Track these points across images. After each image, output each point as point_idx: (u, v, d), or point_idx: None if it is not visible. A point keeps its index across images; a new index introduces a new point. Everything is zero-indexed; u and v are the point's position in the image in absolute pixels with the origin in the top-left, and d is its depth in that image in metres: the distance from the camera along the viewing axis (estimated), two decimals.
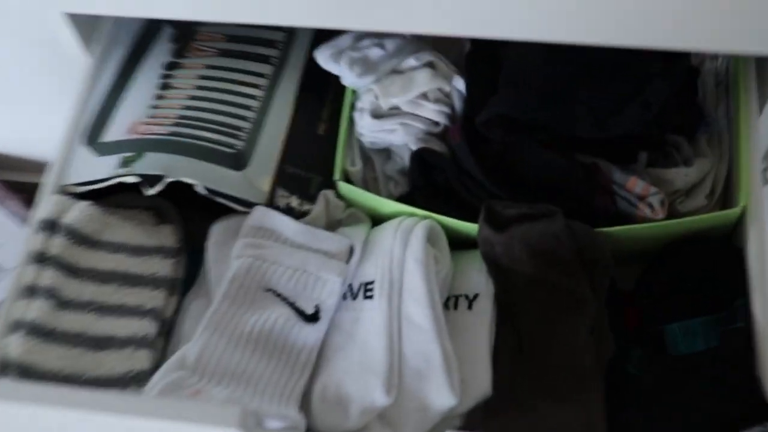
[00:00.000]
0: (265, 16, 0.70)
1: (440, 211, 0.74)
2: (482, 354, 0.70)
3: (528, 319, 0.71)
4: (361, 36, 0.79)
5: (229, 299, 0.70)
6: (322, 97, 0.84)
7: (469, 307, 0.73)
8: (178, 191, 0.75)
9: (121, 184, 0.74)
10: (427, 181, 0.76)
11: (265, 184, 0.76)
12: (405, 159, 0.78)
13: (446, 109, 0.78)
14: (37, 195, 0.77)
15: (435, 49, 0.79)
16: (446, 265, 0.74)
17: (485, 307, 0.72)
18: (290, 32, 0.86)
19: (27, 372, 0.67)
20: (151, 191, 0.73)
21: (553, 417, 0.66)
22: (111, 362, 0.69)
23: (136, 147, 0.76)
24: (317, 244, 0.74)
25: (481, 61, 0.78)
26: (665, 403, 0.67)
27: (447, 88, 0.78)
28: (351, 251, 0.74)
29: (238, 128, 0.78)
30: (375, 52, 0.78)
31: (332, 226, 0.78)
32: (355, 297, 0.73)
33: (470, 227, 0.73)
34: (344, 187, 0.76)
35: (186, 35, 0.86)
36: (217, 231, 0.77)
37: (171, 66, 0.83)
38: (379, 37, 0.79)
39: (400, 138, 0.77)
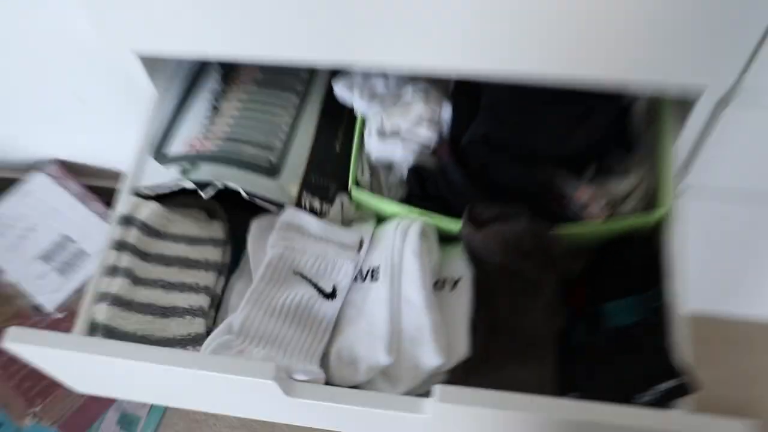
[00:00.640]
0: (293, 56, 0.74)
1: (431, 213, 0.77)
2: (461, 325, 0.73)
3: (499, 298, 0.74)
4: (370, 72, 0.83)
5: (265, 280, 0.74)
6: (338, 122, 0.86)
7: (454, 287, 0.76)
8: (226, 195, 0.78)
9: (181, 188, 0.78)
10: (421, 189, 0.79)
11: (294, 189, 0.79)
12: (404, 172, 0.81)
13: (436, 132, 0.80)
14: (112, 197, 0.80)
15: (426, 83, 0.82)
16: (435, 255, 0.77)
17: (465, 288, 0.76)
18: (313, 69, 0.88)
19: (110, 333, 0.71)
20: (205, 195, 0.76)
21: (517, 373, 0.70)
22: (174, 327, 0.73)
23: (193, 159, 0.79)
24: (335, 237, 0.77)
25: (463, 94, 0.80)
26: (603, 363, 0.71)
27: (437, 114, 0.80)
28: (361, 243, 0.77)
29: (272, 145, 0.81)
30: (380, 84, 0.82)
31: (346, 223, 0.81)
32: (364, 279, 0.76)
33: (454, 225, 0.76)
34: (356, 192, 0.79)
35: (230, 71, 0.88)
36: (255, 226, 0.80)
37: (219, 95, 0.86)
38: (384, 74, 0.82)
39: (399, 155, 0.80)
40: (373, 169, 0.83)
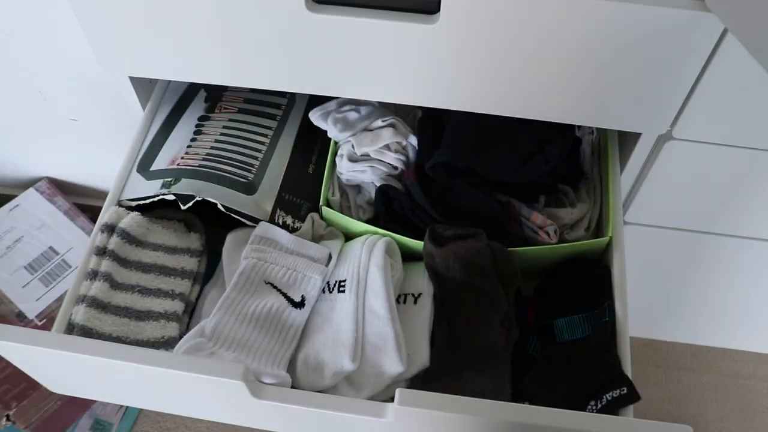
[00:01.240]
0: (274, 84, 0.73)
1: (396, 232, 0.74)
2: (423, 336, 0.70)
3: (457, 313, 0.71)
4: (344, 102, 0.80)
5: (238, 288, 0.70)
6: (312, 145, 0.84)
7: (415, 302, 0.73)
8: (204, 209, 0.75)
9: (162, 200, 0.74)
10: (388, 209, 0.76)
11: (269, 206, 0.75)
12: (371, 193, 0.78)
13: (403, 158, 0.78)
14: (99, 215, 0.76)
15: (396, 115, 0.80)
16: (399, 271, 0.74)
17: (426, 303, 0.73)
18: (291, 98, 0.86)
19: (87, 333, 0.67)
20: (184, 207, 0.72)
21: (474, 382, 0.67)
22: (149, 330, 0.69)
23: (175, 174, 0.75)
24: (305, 251, 0.74)
25: (428, 124, 0.78)
26: (554, 374, 0.69)
27: (404, 143, 0.78)
28: (329, 258, 0.74)
29: (251, 165, 0.77)
30: (353, 115, 0.79)
31: (316, 239, 0.77)
32: (331, 291, 0.72)
33: (417, 244, 0.73)
34: (326, 211, 0.76)
35: (215, 98, 0.85)
36: (230, 239, 0.76)
37: (203, 119, 0.83)
38: (356, 103, 0.80)
39: (368, 177, 0.77)
40: (344, 190, 0.80)
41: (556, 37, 0.63)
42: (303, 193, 0.79)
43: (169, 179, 0.75)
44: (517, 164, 0.74)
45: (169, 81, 0.88)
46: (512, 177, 0.74)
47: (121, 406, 1.14)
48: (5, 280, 1.06)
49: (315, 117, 0.80)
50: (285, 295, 0.71)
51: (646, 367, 1.20)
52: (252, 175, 0.77)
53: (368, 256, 0.72)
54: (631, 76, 0.66)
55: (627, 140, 0.79)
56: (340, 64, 0.69)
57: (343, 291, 0.72)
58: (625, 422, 0.57)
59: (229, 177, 0.75)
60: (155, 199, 0.74)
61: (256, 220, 0.74)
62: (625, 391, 0.63)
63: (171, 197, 0.73)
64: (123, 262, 0.72)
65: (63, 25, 0.82)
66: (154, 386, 0.65)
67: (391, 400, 0.58)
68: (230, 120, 0.82)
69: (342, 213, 0.77)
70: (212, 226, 0.79)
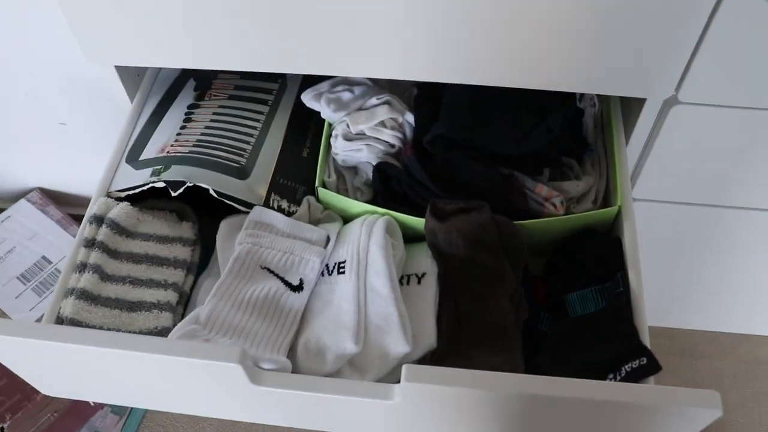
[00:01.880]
0: (264, 65, 0.71)
1: (396, 210, 0.72)
2: (429, 316, 0.67)
3: (463, 290, 0.68)
4: (336, 82, 0.78)
5: (233, 274, 0.67)
6: (306, 129, 0.82)
7: (419, 282, 0.70)
8: (197, 198, 0.73)
9: (152, 190, 0.71)
10: (386, 187, 0.74)
11: (263, 190, 0.73)
12: (369, 174, 0.76)
13: (400, 135, 0.76)
14: None
15: (390, 92, 0.78)
16: (400, 251, 0.71)
17: (431, 282, 0.70)
18: (282, 83, 0.84)
19: (77, 326, 0.64)
20: (175, 194, 0.70)
21: (484, 362, 0.63)
22: (141, 320, 0.66)
23: (164, 162, 0.73)
24: (301, 234, 0.71)
25: (425, 100, 0.76)
26: (569, 350, 0.66)
27: (400, 120, 0.76)
28: (327, 240, 0.71)
29: (243, 149, 0.75)
30: (346, 95, 0.77)
31: (313, 223, 0.74)
32: (330, 273, 0.70)
33: (418, 221, 0.71)
34: (323, 192, 0.74)
35: (204, 86, 0.83)
36: (224, 226, 0.74)
37: (192, 107, 0.80)
38: (349, 83, 0.78)
39: (365, 156, 0.75)
40: (340, 172, 0.78)
41: (551, 1, 0.60)
42: (298, 177, 0.77)
43: (159, 167, 0.72)
44: (518, 135, 0.71)
45: (157, 72, 0.85)
46: (514, 148, 0.72)
47: (121, 418, 1.10)
48: None
49: (307, 98, 0.78)
50: (282, 279, 0.68)
51: (663, 355, 1.15)
52: (244, 160, 0.74)
53: (368, 236, 0.70)
54: (631, 37, 0.63)
55: (631, 110, 0.77)
56: (331, 40, 0.66)
57: (343, 272, 0.69)
58: (647, 390, 0.53)
59: (220, 162, 0.73)
60: (145, 187, 0.71)
61: (250, 205, 0.72)
62: (645, 362, 0.60)
63: (161, 185, 0.70)
64: (113, 253, 0.69)
65: (47, 25, 0.80)
66: (147, 377, 0.61)
67: (398, 382, 0.54)
68: (220, 107, 0.80)
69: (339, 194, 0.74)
70: (205, 217, 0.76)
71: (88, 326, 0.64)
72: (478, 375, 0.54)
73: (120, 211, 0.71)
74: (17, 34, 0.83)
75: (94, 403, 1.08)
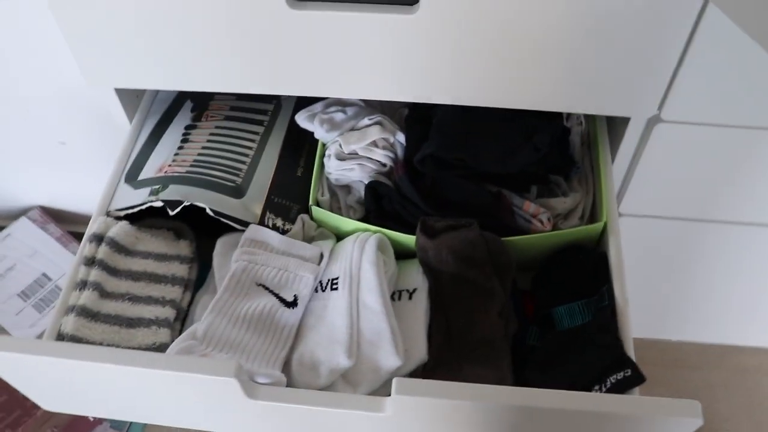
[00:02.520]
0: (260, 87, 0.72)
1: (387, 228, 0.73)
2: (420, 331, 0.68)
3: (453, 305, 0.69)
4: (329, 103, 0.80)
5: (229, 291, 0.68)
6: (300, 149, 0.83)
7: (410, 298, 0.71)
8: (194, 218, 0.74)
9: (151, 209, 0.73)
10: (378, 205, 0.75)
11: (258, 209, 0.74)
12: (361, 193, 0.77)
13: (391, 155, 0.77)
14: None
15: (382, 113, 0.79)
16: (392, 267, 0.72)
17: (422, 298, 0.71)
18: (277, 104, 0.85)
19: (77, 342, 0.65)
20: (172, 213, 0.71)
21: (474, 375, 0.65)
22: (140, 337, 0.67)
23: (162, 181, 0.74)
24: (296, 251, 0.72)
25: (415, 121, 0.78)
26: (556, 363, 0.67)
27: (391, 139, 0.77)
28: (321, 257, 0.73)
29: (239, 169, 0.76)
30: (339, 115, 0.78)
31: (307, 240, 0.76)
32: (324, 289, 0.71)
33: (409, 239, 0.72)
34: (316, 210, 0.75)
35: (201, 107, 0.84)
36: (221, 244, 0.75)
37: (189, 127, 0.82)
38: (342, 104, 0.79)
39: (357, 175, 0.76)
40: (333, 190, 0.79)
41: (537, 23, 0.62)
42: (292, 196, 0.78)
43: (157, 186, 0.74)
44: (506, 154, 0.73)
45: (156, 94, 0.87)
46: (502, 167, 0.73)
47: None
48: None
49: (301, 119, 0.79)
50: (277, 295, 0.69)
51: (653, 367, 1.17)
52: (240, 179, 0.76)
53: (360, 253, 0.71)
54: (614, 57, 0.65)
55: (616, 128, 0.79)
56: (324, 62, 0.68)
57: (336, 288, 0.70)
58: (630, 400, 0.55)
59: (217, 182, 0.74)
60: (143, 207, 0.73)
61: (246, 224, 0.73)
62: (629, 373, 0.61)
63: (159, 204, 0.72)
64: (112, 271, 0.71)
65: (47, 46, 0.82)
66: (145, 391, 0.62)
67: (390, 395, 0.55)
68: (217, 127, 0.82)
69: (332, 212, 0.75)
70: (202, 235, 0.77)
71: (88, 342, 0.65)
72: (466, 387, 0.55)
73: (119, 229, 0.72)
74: (17, 54, 0.85)
75: (93, 418, 1.09)
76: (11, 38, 0.82)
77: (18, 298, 1.06)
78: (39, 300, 1.06)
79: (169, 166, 0.76)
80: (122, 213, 0.74)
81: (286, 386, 0.64)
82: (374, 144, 0.77)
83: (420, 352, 0.67)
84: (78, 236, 1.15)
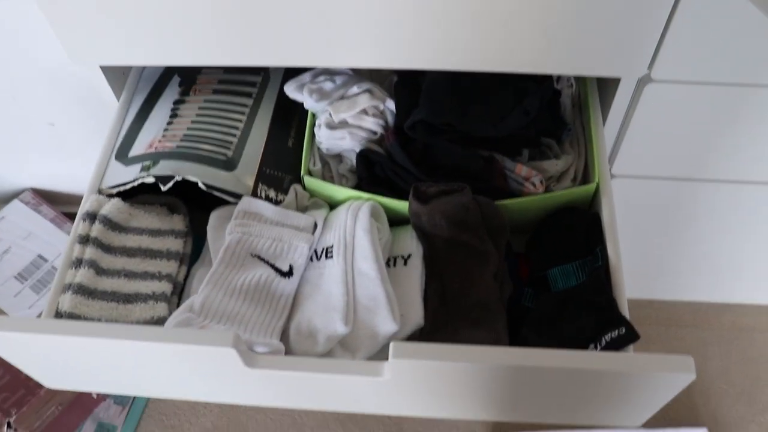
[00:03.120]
0: (247, 58, 0.71)
1: (380, 195, 0.73)
2: (416, 296, 0.69)
3: (448, 269, 0.70)
4: (318, 73, 0.79)
5: (224, 263, 0.68)
6: (290, 120, 0.82)
7: (405, 264, 0.72)
8: (186, 192, 0.74)
9: (143, 185, 0.72)
10: (370, 173, 0.75)
11: (250, 181, 0.74)
12: (353, 161, 0.77)
13: (382, 122, 0.77)
14: None
15: (371, 81, 0.79)
16: (386, 234, 0.73)
17: (416, 263, 0.71)
18: (266, 76, 0.84)
19: (75, 320, 0.64)
20: (164, 188, 0.71)
21: (470, 338, 0.65)
22: (138, 312, 0.67)
23: (153, 157, 0.73)
24: (290, 221, 0.72)
25: (405, 87, 0.77)
26: (551, 323, 0.67)
27: (381, 107, 0.77)
28: (315, 226, 0.73)
29: (229, 142, 0.76)
30: (328, 85, 0.77)
31: (300, 210, 0.76)
32: (319, 258, 0.71)
33: (402, 205, 0.72)
34: (308, 180, 0.75)
35: (189, 82, 0.84)
36: (214, 217, 0.75)
37: (178, 102, 0.81)
38: (330, 73, 0.79)
39: (348, 144, 0.76)
40: (325, 160, 0.79)
41: None
42: (284, 167, 0.78)
43: (148, 162, 0.73)
44: (496, 118, 0.73)
45: (142, 70, 0.86)
46: (492, 131, 0.73)
47: (124, 408, 1.12)
48: None
49: (290, 89, 0.79)
50: (272, 265, 0.70)
51: (648, 326, 1.19)
52: (231, 152, 0.75)
53: (354, 220, 0.71)
54: (602, 17, 0.64)
55: (607, 90, 0.78)
56: (311, 32, 0.67)
57: (331, 257, 0.70)
58: (623, 357, 0.55)
59: (207, 155, 0.74)
60: (135, 183, 0.72)
61: (239, 196, 0.73)
62: (623, 331, 0.62)
63: (151, 180, 0.71)
64: (107, 248, 0.70)
65: (30, 26, 0.81)
66: (145, 365, 0.63)
67: (387, 359, 0.56)
68: (205, 101, 0.81)
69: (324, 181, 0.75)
70: (196, 208, 0.77)
71: (86, 319, 0.65)
72: (463, 349, 0.55)
73: (112, 207, 0.72)
74: (8, 38, 0.84)
75: (96, 394, 1.10)
76: None
77: (15, 280, 1.06)
78: (36, 281, 1.06)
79: (159, 141, 0.76)
80: (114, 190, 0.74)
81: (285, 355, 0.65)
82: (364, 112, 0.77)
83: (416, 317, 0.68)
84: (71, 216, 1.14)
